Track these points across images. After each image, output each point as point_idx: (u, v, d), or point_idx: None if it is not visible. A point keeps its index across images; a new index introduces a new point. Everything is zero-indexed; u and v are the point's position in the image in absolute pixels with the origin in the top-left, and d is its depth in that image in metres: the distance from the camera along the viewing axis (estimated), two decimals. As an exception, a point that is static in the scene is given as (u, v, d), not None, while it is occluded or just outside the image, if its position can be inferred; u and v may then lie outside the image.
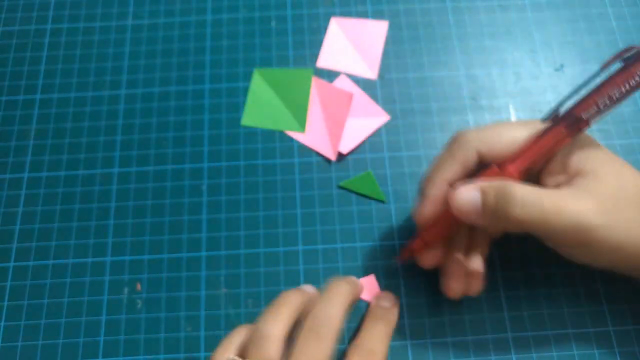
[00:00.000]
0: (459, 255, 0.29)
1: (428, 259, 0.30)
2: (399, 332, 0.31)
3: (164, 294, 0.32)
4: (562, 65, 0.39)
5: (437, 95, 0.38)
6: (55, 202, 0.35)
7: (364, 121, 0.37)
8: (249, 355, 0.25)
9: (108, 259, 0.33)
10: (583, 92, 0.23)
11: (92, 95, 0.38)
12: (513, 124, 0.28)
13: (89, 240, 0.34)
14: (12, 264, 0.33)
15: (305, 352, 0.25)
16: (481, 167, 0.27)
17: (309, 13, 0.40)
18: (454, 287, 0.29)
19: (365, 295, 0.32)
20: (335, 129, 0.36)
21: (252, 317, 0.30)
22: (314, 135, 0.37)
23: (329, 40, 0.40)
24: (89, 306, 0.32)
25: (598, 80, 0.22)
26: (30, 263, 0.33)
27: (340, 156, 0.36)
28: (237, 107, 0.38)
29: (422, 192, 0.28)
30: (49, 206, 0.35)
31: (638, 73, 0.21)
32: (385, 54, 0.39)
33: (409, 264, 0.32)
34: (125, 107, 0.37)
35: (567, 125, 0.24)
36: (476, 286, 0.29)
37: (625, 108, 0.37)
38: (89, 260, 0.33)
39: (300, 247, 0.33)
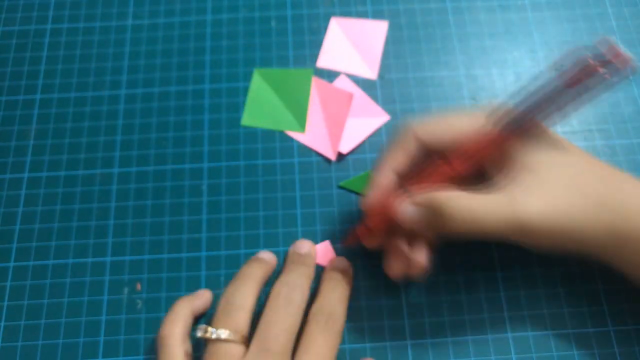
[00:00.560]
0: (401, 244, 0.29)
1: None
2: (399, 332, 0.31)
3: (164, 294, 0.32)
4: (562, 65, 0.38)
5: (437, 95, 0.38)
6: (55, 202, 0.35)
7: (364, 121, 0.37)
8: (221, 325, 0.26)
9: (108, 259, 0.33)
10: (529, 93, 0.23)
11: (92, 95, 0.38)
12: (459, 116, 0.28)
13: (89, 240, 0.34)
14: (12, 264, 0.33)
15: (274, 318, 0.26)
16: (429, 155, 0.28)
17: (309, 13, 0.40)
18: (395, 268, 0.30)
19: (322, 261, 0.32)
20: (335, 129, 0.36)
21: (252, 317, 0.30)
22: (314, 135, 0.37)
23: (329, 40, 0.40)
24: (89, 306, 0.32)
25: (545, 82, 0.22)
26: (30, 263, 0.33)
27: (340, 156, 0.36)
28: (237, 107, 0.38)
29: (373, 179, 0.29)
30: (49, 206, 0.35)
31: (584, 80, 0.21)
32: (385, 54, 0.39)
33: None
34: (125, 107, 0.37)
35: (513, 126, 0.24)
36: (417, 269, 0.29)
37: (625, 108, 0.37)
38: (89, 260, 0.33)
39: (300, 247, 0.33)
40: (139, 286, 0.33)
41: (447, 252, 0.33)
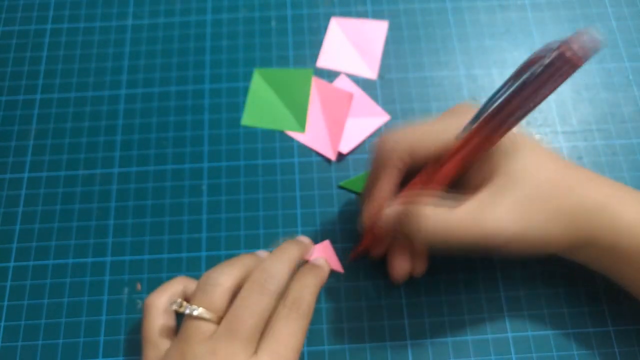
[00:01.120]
0: (402, 250, 0.30)
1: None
2: (399, 332, 0.31)
3: (164, 294, 0.32)
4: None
5: (437, 95, 0.38)
6: (55, 202, 0.35)
7: (364, 121, 0.37)
8: (196, 302, 0.26)
9: (108, 259, 0.33)
10: (502, 98, 0.23)
11: (92, 95, 0.38)
12: (435, 126, 0.28)
13: (89, 240, 0.34)
14: (12, 264, 0.33)
15: (246, 301, 0.25)
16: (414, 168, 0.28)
17: (309, 13, 0.40)
18: (397, 272, 0.31)
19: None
20: (335, 129, 0.36)
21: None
22: (314, 135, 0.37)
23: (329, 40, 0.40)
24: (89, 306, 0.32)
25: (508, 92, 0.22)
26: (30, 263, 0.33)
27: (340, 156, 0.36)
28: (237, 107, 0.38)
29: (366, 201, 0.29)
30: (49, 206, 0.35)
31: (548, 83, 0.21)
32: (385, 54, 0.39)
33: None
34: (125, 107, 0.37)
35: (489, 132, 0.24)
36: (420, 268, 0.31)
37: (625, 108, 0.37)
38: (89, 260, 0.33)
39: (300, 247, 0.33)
40: (139, 286, 0.33)
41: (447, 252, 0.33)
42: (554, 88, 0.21)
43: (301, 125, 0.37)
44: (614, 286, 0.32)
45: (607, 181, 0.27)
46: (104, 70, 0.39)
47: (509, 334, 0.31)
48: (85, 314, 0.32)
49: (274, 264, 0.27)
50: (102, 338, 0.31)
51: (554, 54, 0.20)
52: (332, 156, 0.36)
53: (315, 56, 0.39)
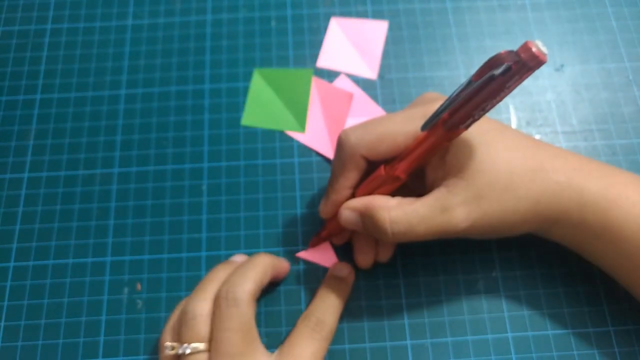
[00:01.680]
0: (366, 238, 0.31)
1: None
2: (399, 332, 0.31)
3: (164, 294, 0.32)
4: (562, 65, 0.39)
5: (437, 95, 0.38)
6: (55, 202, 0.35)
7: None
8: (183, 337, 0.26)
9: (108, 259, 0.33)
10: (458, 100, 0.24)
11: (92, 95, 0.38)
12: (393, 123, 0.28)
13: (89, 240, 0.34)
14: (12, 264, 0.33)
15: (221, 322, 0.26)
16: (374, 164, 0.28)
17: (309, 13, 0.40)
18: (362, 260, 0.31)
19: (321, 261, 0.33)
20: (335, 129, 0.36)
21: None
22: (314, 135, 0.37)
23: (329, 40, 0.40)
24: (89, 306, 0.32)
25: (471, 89, 0.23)
26: (30, 263, 0.33)
27: (340, 156, 0.36)
28: (237, 107, 0.38)
29: (326, 195, 0.30)
30: (49, 206, 0.35)
31: (507, 85, 0.22)
32: (385, 54, 0.39)
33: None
34: (125, 107, 0.37)
35: (446, 132, 0.25)
36: (384, 255, 0.32)
37: (625, 108, 0.37)
38: (89, 260, 0.33)
39: (300, 247, 0.33)
40: (139, 286, 0.33)
41: (447, 252, 0.33)
42: (513, 88, 0.22)
43: (301, 125, 0.37)
44: (614, 286, 0.32)
45: (574, 156, 0.27)
46: (104, 70, 0.39)
47: (509, 334, 0.31)
48: (85, 314, 0.32)
49: (236, 275, 0.27)
50: (102, 338, 0.31)
51: (519, 57, 0.21)
52: (332, 156, 0.36)
53: (315, 56, 0.39)
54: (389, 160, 0.28)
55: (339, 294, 0.30)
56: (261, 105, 0.38)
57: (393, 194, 0.28)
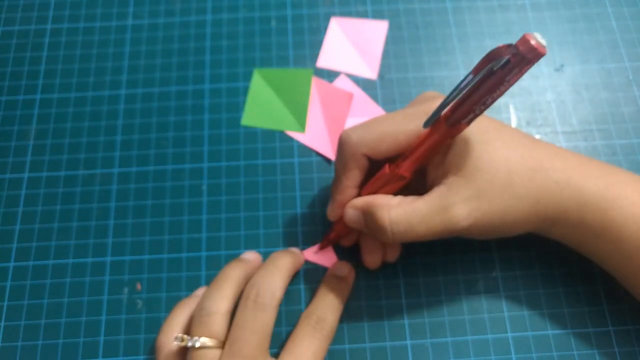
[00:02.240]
0: (373, 239, 0.31)
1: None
2: (399, 332, 0.31)
3: (164, 294, 0.32)
4: (562, 65, 0.39)
5: (437, 95, 0.38)
6: (55, 202, 0.35)
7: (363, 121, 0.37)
8: (196, 332, 0.26)
9: (108, 259, 0.33)
10: (459, 96, 0.24)
11: (92, 95, 0.38)
12: (394, 122, 0.28)
13: (89, 240, 0.34)
14: (12, 264, 0.33)
15: (244, 322, 0.26)
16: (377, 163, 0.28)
17: (309, 13, 0.40)
18: (370, 260, 0.31)
19: (321, 261, 0.33)
20: (335, 129, 0.36)
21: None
22: (314, 135, 0.37)
23: (329, 40, 0.40)
24: (89, 306, 0.32)
25: (472, 84, 0.23)
26: (30, 263, 0.33)
27: (340, 156, 0.36)
28: (237, 107, 0.38)
29: (331, 196, 0.30)
30: (49, 206, 0.35)
31: (507, 78, 0.22)
32: (385, 54, 0.39)
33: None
34: (125, 107, 0.37)
35: (448, 129, 0.25)
36: (392, 255, 0.31)
37: (625, 108, 0.37)
38: (89, 260, 0.33)
39: (301, 247, 0.33)
40: (139, 286, 0.33)
41: (447, 252, 0.33)
42: (513, 82, 0.22)
43: (301, 125, 0.37)
44: (614, 286, 0.32)
45: (573, 155, 0.27)
46: (104, 70, 0.39)
47: (509, 334, 0.31)
48: (85, 314, 0.32)
49: (265, 277, 0.27)
50: (102, 338, 0.31)
51: (517, 50, 0.21)
52: (332, 156, 0.36)
53: (315, 56, 0.39)
54: (393, 159, 0.28)
55: (339, 292, 0.30)
56: (261, 105, 0.38)
57: (396, 193, 0.28)
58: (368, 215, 0.27)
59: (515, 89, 0.38)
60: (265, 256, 0.33)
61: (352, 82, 0.38)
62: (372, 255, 0.31)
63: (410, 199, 0.27)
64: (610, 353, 0.31)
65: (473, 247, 0.33)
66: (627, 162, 0.35)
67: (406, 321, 0.32)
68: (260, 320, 0.26)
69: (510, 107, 0.37)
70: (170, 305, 0.32)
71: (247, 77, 0.38)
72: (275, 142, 0.36)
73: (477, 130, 0.26)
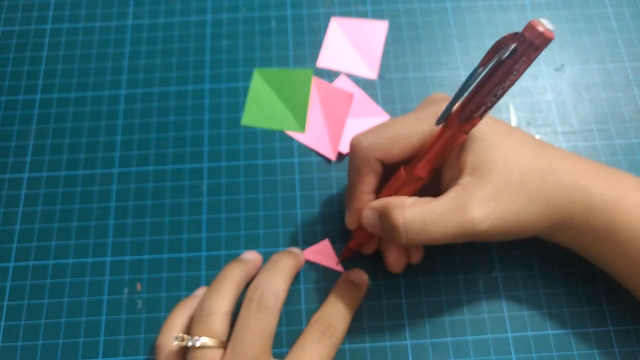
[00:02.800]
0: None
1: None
2: (399, 332, 0.31)
3: (164, 294, 0.32)
4: (562, 65, 0.39)
5: (437, 95, 0.38)
6: (55, 202, 0.35)
7: (364, 121, 0.37)
8: (197, 332, 0.26)
9: (108, 259, 0.33)
10: (469, 90, 0.24)
11: (92, 95, 0.38)
12: (405, 124, 0.27)
13: (89, 240, 0.34)
14: (12, 264, 0.33)
15: (248, 325, 0.25)
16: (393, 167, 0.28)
17: (309, 13, 0.40)
18: (394, 264, 0.31)
19: (321, 261, 0.33)
20: (335, 129, 0.37)
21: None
22: (314, 135, 0.37)
23: (329, 40, 0.40)
24: (89, 306, 0.32)
25: (481, 76, 0.23)
26: (30, 263, 0.33)
27: (340, 156, 0.36)
28: (237, 107, 0.38)
29: (347, 205, 0.30)
30: (49, 206, 0.35)
31: (516, 67, 0.21)
32: (385, 54, 0.39)
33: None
34: (125, 107, 0.37)
35: (461, 124, 0.25)
36: (416, 256, 0.31)
37: (625, 108, 0.37)
38: (89, 260, 0.33)
39: (301, 247, 0.33)
40: (139, 286, 0.33)
41: (446, 252, 0.33)
42: (523, 71, 0.22)
43: (301, 125, 0.37)
44: (614, 286, 0.32)
45: (579, 159, 0.27)
46: (104, 70, 0.39)
47: (509, 334, 0.31)
48: (85, 314, 0.32)
49: (269, 279, 0.27)
50: (102, 338, 0.31)
51: (524, 37, 0.20)
52: (332, 156, 0.36)
53: (315, 56, 0.39)
54: (408, 162, 0.27)
55: (352, 299, 0.30)
56: (261, 105, 0.38)
57: (415, 194, 0.27)
58: (383, 215, 0.26)
59: (515, 88, 0.38)
60: (266, 256, 0.33)
61: (352, 82, 0.38)
62: (395, 259, 0.30)
63: (425, 199, 0.26)
64: (610, 353, 0.31)
65: (473, 247, 0.33)
66: (627, 162, 0.35)
67: (406, 321, 0.32)
68: (264, 322, 0.25)
69: (510, 107, 0.37)
70: (170, 305, 0.32)
71: (247, 77, 0.38)
72: (275, 142, 0.36)
73: (489, 131, 0.26)
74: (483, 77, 0.23)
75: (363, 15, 0.40)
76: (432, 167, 0.27)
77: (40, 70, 0.39)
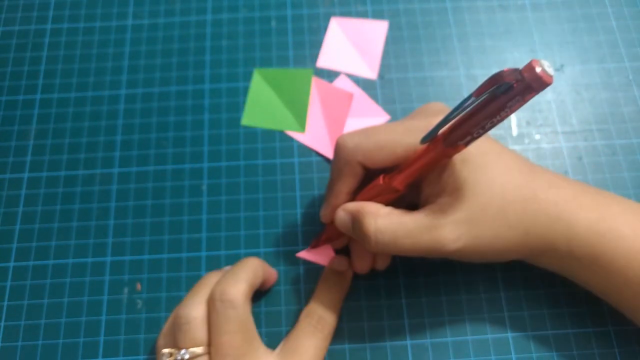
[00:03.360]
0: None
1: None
2: (399, 332, 0.31)
3: (164, 294, 0.32)
4: (562, 65, 0.39)
5: (437, 95, 0.38)
6: (55, 202, 0.35)
7: (364, 121, 0.37)
8: (179, 343, 0.26)
9: (108, 259, 0.33)
10: (459, 116, 0.23)
11: (92, 95, 0.38)
12: (393, 133, 0.27)
13: (89, 240, 0.34)
14: (12, 264, 0.33)
15: (219, 326, 0.25)
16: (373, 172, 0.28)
17: (309, 13, 0.40)
18: (359, 265, 0.31)
19: (321, 261, 0.33)
20: (335, 129, 0.37)
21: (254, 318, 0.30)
22: (314, 135, 0.37)
23: (329, 40, 0.40)
24: (89, 306, 0.32)
25: (473, 105, 0.22)
26: (30, 263, 0.33)
27: (340, 156, 0.36)
28: (237, 107, 0.38)
29: (325, 198, 0.30)
30: (49, 206, 0.35)
31: (508, 105, 0.21)
32: (385, 54, 0.39)
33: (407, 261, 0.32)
34: (125, 107, 0.37)
35: (445, 148, 0.24)
36: (381, 263, 0.31)
37: (625, 108, 0.37)
38: (89, 260, 0.33)
39: (301, 247, 0.33)
40: (139, 286, 0.33)
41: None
42: (515, 109, 0.21)
43: (301, 125, 0.37)
44: (614, 286, 0.32)
45: (568, 184, 0.27)
46: (104, 70, 0.39)
47: (509, 334, 0.31)
48: (85, 314, 0.32)
49: (226, 277, 0.27)
50: (102, 338, 0.31)
51: (522, 76, 0.20)
52: (332, 156, 0.36)
53: (315, 56, 0.39)
54: (389, 170, 0.27)
55: (339, 289, 0.30)
56: (261, 105, 0.38)
57: (391, 204, 0.27)
58: (356, 220, 0.27)
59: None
60: (266, 256, 0.33)
61: (352, 82, 0.38)
62: (361, 261, 0.31)
63: (400, 212, 0.26)
64: (610, 353, 0.31)
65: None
66: (627, 162, 0.35)
67: (406, 321, 0.32)
68: (232, 318, 0.25)
69: (510, 107, 0.37)
70: (170, 305, 0.32)
71: (247, 77, 0.38)
72: (275, 142, 0.36)
73: (477, 152, 0.26)
74: (475, 107, 0.22)
75: (363, 15, 0.40)
76: (410, 182, 0.26)
77: (40, 70, 0.39)
